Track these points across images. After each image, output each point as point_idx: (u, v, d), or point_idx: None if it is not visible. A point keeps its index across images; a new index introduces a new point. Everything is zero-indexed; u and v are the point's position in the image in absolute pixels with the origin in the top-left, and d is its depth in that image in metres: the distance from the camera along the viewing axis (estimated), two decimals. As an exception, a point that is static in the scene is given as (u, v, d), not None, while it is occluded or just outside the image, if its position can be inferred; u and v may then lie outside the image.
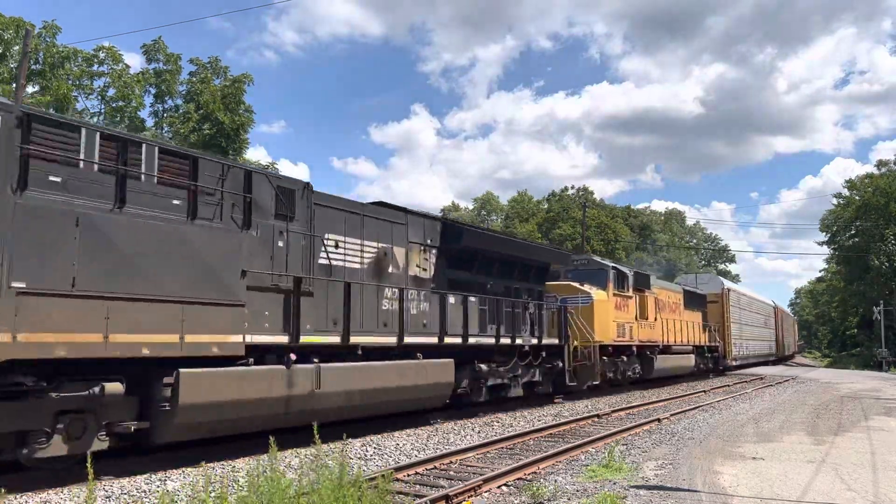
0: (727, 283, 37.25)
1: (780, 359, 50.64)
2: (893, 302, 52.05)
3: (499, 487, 7.89)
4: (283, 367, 9.39)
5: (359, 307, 11.24)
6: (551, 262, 18.69)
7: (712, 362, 31.85)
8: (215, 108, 32.85)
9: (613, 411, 15.58)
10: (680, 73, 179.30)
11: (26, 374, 7.11)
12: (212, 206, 9.03)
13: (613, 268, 21.30)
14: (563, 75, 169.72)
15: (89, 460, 4.97)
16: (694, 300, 30.12)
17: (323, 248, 10.85)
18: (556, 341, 17.19)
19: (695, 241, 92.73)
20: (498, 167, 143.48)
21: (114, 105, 34.05)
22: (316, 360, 9.97)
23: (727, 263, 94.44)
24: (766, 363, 44.87)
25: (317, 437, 6.31)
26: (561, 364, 17.24)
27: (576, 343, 18.30)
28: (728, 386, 25.29)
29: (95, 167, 7.75)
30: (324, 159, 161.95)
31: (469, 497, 7.19)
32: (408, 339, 12.03)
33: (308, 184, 10.76)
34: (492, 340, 14.72)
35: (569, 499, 7.26)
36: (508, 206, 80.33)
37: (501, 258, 15.88)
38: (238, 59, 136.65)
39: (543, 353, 16.75)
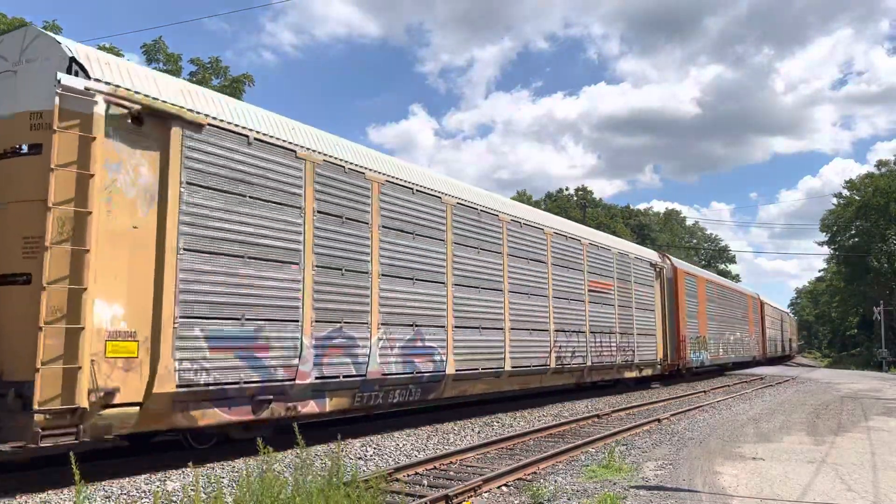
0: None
1: (671, 373, 24.51)
2: (893, 302, 52.06)
3: (499, 487, 7.89)
4: None
5: None
6: None
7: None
8: (214, 108, 32.85)
9: (613, 411, 15.58)
10: (677, 74, 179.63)
11: None
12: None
13: None
14: (560, 76, 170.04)
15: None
16: None
17: None
18: None
19: (695, 241, 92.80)
20: (497, 167, 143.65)
21: (114, 105, 34.07)
22: None
23: (727, 263, 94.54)
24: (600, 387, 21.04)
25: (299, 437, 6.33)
26: None
27: None
28: (728, 387, 25.29)
29: None
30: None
31: (469, 497, 7.19)
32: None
33: None
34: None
35: (569, 499, 7.26)
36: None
37: None
38: (236, 59, 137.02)
39: None
